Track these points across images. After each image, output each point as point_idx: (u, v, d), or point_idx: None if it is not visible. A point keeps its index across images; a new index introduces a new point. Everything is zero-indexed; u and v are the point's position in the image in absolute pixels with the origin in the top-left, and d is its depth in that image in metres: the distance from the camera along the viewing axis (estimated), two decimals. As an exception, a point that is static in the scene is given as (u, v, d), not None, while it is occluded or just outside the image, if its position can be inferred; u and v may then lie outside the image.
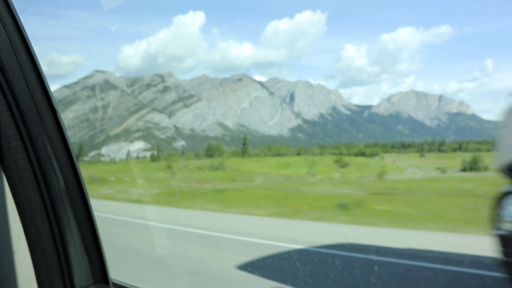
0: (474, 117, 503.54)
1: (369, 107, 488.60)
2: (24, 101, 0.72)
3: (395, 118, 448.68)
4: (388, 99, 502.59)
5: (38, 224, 0.78)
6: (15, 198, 0.77)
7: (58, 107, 0.87)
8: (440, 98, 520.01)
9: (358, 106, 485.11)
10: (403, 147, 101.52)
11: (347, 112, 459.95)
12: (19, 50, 0.71)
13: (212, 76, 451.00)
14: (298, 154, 60.61)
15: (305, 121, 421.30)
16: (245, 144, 43.06)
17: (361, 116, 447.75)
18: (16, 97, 0.71)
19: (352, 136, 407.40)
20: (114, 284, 0.87)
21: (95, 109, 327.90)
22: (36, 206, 0.79)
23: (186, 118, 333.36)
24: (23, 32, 0.74)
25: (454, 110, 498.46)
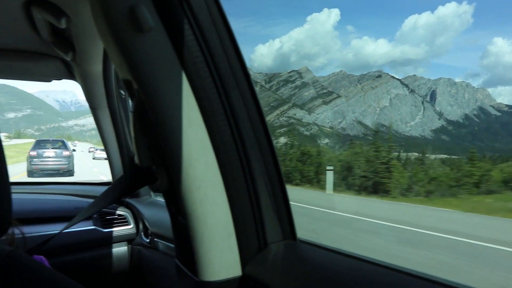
0: None
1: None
2: (223, 67, 0.79)
3: None
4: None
5: (238, 186, 0.85)
6: (218, 159, 0.83)
7: None
8: None
9: (511, 107, 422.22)
10: None
11: (497, 113, 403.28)
12: (218, 22, 0.77)
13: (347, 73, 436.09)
14: None
15: (449, 122, 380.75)
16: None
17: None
18: (216, 64, 0.78)
19: (507, 141, 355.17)
20: (300, 241, 0.95)
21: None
22: (235, 167, 0.85)
23: (325, 116, 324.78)
24: (219, 4, 0.79)
25: None
